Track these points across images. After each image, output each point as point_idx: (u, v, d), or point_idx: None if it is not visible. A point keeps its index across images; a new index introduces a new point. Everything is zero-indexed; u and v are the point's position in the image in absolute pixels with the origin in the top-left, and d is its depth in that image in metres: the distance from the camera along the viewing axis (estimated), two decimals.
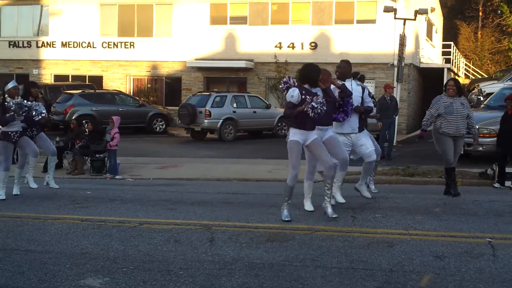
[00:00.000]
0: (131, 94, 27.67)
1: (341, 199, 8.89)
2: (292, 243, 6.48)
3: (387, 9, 21.65)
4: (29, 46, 29.98)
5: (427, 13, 25.23)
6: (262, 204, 9.05)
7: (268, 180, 12.15)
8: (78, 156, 13.69)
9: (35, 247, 6.40)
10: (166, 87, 28.72)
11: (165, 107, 26.74)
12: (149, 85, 28.93)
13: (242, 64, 26.87)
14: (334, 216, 7.66)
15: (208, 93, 22.58)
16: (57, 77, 29.46)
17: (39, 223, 7.68)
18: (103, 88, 27.23)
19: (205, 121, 21.31)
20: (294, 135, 7.61)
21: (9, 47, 30.12)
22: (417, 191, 10.93)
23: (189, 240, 6.65)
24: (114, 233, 7.04)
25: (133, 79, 29.09)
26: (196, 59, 27.64)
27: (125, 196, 9.84)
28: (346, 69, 8.84)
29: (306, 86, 7.58)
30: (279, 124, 23.29)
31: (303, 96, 7.42)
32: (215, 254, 6.06)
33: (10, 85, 9.28)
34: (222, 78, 27.99)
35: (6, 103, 8.99)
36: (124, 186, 11.38)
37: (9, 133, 9.06)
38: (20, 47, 30.08)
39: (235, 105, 22.28)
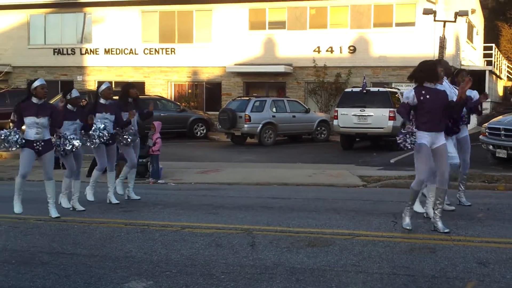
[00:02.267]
0: (172, 99, 27.94)
1: (420, 209, 8.20)
2: (333, 248, 6.44)
3: (427, 12, 21.39)
4: (73, 53, 30.56)
5: (468, 15, 24.82)
6: (302, 209, 9.01)
7: (308, 184, 12.10)
8: (122, 161, 13.84)
9: (81, 251, 6.52)
10: (206, 92, 28.92)
11: (206, 112, 26.92)
12: (189, 91, 29.17)
13: (281, 68, 26.88)
14: (446, 231, 7.09)
15: (247, 98, 22.63)
16: (101, 84, 29.76)
17: (84, 226, 7.81)
18: (145, 94, 27.56)
19: (245, 125, 21.37)
20: (422, 138, 7.15)
21: (54, 54, 30.75)
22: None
23: (231, 244, 6.68)
24: (157, 237, 7.11)
25: (174, 84, 29.38)
26: (235, 64, 27.76)
27: (167, 200, 9.94)
28: (447, 68, 8.48)
29: (427, 84, 7.17)
30: (319, 128, 23.19)
31: (421, 98, 7.08)
32: (256, 258, 6.07)
33: (104, 86, 9.40)
34: (261, 82, 28.03)
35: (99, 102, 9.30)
36: (167, 191, 11.49)
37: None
38: (65, 54, 30.69)
39: (274, 109, 22.29)
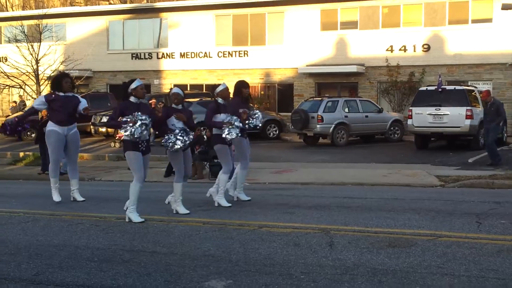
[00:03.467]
0: None
1: None
2: (414, 249, 6.15)
3: (506, 7, 20.48)
4: (150, 57, 31.17)
5: None
6: (380, 209, 8.72)
7: (383, 184, 11.76)
8: (198, 162, 13.95)
9: (160, 249, 6.49)
10: (278, 94, 28.82)
11: (278, 113, 26.83)
12: (262, 92, 29.17)
13: (353, 68, 26.45)
14: None
15: (320, 99, 22.37)
16: (177, 87, 30.20)
17: (163, 225, 7.82)
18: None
19: (318, 126, 21.11)
20: None
21: (132, 59, 31.48)
22: None
23: (309, 244, 6.49)
24: (235, 236, 7.02)
25: None
26: (307, 65, 27.54)
27: (241, 200, 9.84)
28: None
29: None
30: (392, 128, 22.65)
31: None
32: (336, 258, 5.86)
33: (221, 87, 9.29)
34: (333, 83, 27.68)
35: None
36: (245, 190, 11.39)
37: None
38: (142, 58, 31.35)
39: (347, 109, 21.92)
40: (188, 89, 29.46)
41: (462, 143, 18.72)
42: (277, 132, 24.67)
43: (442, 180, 11.84)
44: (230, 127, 8.99)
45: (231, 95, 9.66)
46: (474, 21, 24.92)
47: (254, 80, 28.95)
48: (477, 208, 8.47)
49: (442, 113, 18.02)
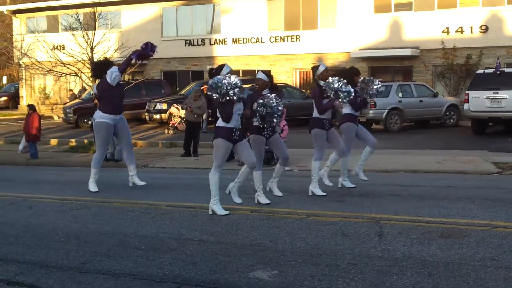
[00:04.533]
0: (297, 86, 27.79)
1: None
2: (468, 240, 5.92)
3: None
4: (203, 44, 31.27)
5: None
6: (432, 197, 8.46)
7: (437, 171, 11.41)
8: None
9: (208, 237, 6.47)
10: None
11: None
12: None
13: (407, 52, 25.80)
14: None
15: None
16: (230, 73, 30.30)
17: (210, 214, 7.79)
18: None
19: (370, 111, 20.71)
20: None
21: (185, 45, 31.66)
22: None
23: (357, 234, 6.35)
24: (282, 225, 6.93)
25: (299, 71, 29.20)
26: (360, 49, 27.05)
27: (291, 187, 9.73)
28: None
29: None
30: (448, 113, 22.00)
31: None
32: (385, 249, 5.70)
33: (321, 68, 8.80)
34: (387, 67, 27.10)
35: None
36: (291, 178, 11.31)
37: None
38: (195, 45, 31.49)
39: (400, 94, 21.40)
40: (241, 75, 29.45)
41: None
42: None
43: (499, 167, 11.41)
44: (341, 95, 8.39)
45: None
46: None
47: (306, 65, 28.63)
48: None
49: (500, 97, 17.36)
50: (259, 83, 8.26)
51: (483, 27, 24.90)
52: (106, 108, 9.75)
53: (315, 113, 8.80)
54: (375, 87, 9.19)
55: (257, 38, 29.75)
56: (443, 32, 25.55)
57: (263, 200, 8.24)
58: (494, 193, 8.67)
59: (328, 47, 27.90)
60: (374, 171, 11.85)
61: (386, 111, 20.68)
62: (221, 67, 7.72)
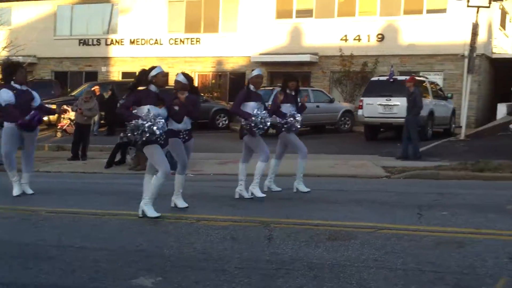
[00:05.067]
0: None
1: None
2: (354, 242, 6.10)
3: None
4: (98, 44, 30.53)
5: (502, 0, 24.06)
6: (323, 201, 8.69)
7: (329, 176, 11.75)
8: (141, 152, 13.64)
9: (90, 244, 6.26)
10: (230, 83, 28.63)
11: (229, 103, 26.62)
12: (213, 81, 28.92)
13: (306, 58, 26.45)
14: None
15: (271, 88, 22.25)
16: (125, 74, 29.88)
17: (96, 219, 7.57)
18: (168, 84, 27.35)
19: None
20: None
21: (80, 45, 30.78)
22: (488, 187, 10.29)
23: (246, 238, 6.39)
24: (170, 230, 6.85)
25: (198, 75, 29.16)
26: (260, 54, 27.42)
27: (184, 192, 9.59)
28: None
29: None
30: (343, 118, 22.73)
31: None
32: (273, 253, 5.76)
33: (255, 72, 8.85)
34: (286, 72, 27.57)
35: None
36: (185, 182, 11.19)
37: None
38: (90, 45, 30.68)
39: (298, 99, 21.80)
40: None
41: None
42: (227, 122, 24.48)
43: (388, 171, 11.91)
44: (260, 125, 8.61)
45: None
46: (428, 11, 25.19)
47: (206, 69, 28.71)
48: (420, 199, 8.52)
49: (392, 104, 18.16)
50: (178, 86, 8.13)
51: (379, 36, 25.97)
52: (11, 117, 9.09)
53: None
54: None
55: (156, 40, 29.46)
56: (341, 39, 26.41)
57: (181, 203, 8.20)
58: (382, 196, 9.03)
59: (228, 51, 28.07)
60: (267, 175, 12.00)
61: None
62: (152, 68, 7.49)
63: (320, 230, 6.68)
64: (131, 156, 13.55)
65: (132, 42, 29.93)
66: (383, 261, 5.42)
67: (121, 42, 30.15)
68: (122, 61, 30.17)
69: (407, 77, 15.74)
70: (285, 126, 9.33)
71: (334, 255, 5.65)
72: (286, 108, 9.29)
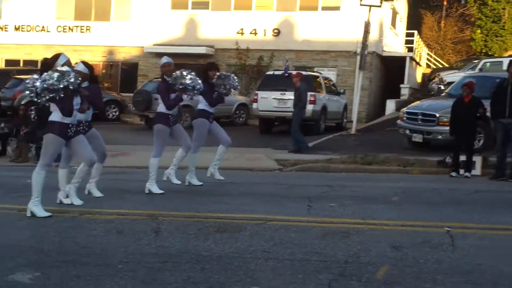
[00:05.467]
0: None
1: None
2: (243, 234, 6.16)
3: None
4: None
5: (393, 0, 25.14)
6: (214, 194, 8.71)
7: (223, 168, 11.66)
8: (23, 143, 13.09)
9: None
10: (122, 73, 28.05)
11: (120, 94, 26.08)
12: (103, 71, 28.19)
13: (202, 50, 26.40)
14: None
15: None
16: (8, 62, 28.56)
17: None
18: None
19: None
20: None
21: None
22: (376, 179, 10.75)
23: (133, 231, 6.27)
24: (51, 224, 6.60)
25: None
26: (154, 45, 27.05)
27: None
28: None
29: None
30: (237, 111, 22.91)
31: None
32: (160, 246, 5.70)
33: (163, 61, 8.78)
34: (181, 64, 27.16)
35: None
36: (70, 174, 10.83)
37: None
38: None
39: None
40: (21, 65, 27.79)
41: (303, 128, 19.34)
42: (117, 113, 23.97)
43: (280, 164, 12.15)
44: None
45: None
46: (323, 8, 25.88)
47: (96, 58, 27.92)
48: (311, 191, 8.74)
49: (286, 98, 18.50)
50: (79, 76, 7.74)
51: (275, 31, 26.38)
52: None
53: (161, 108, 8.73)
54: (232, 82, 9.26)
55: (43, 27, 28.37)
56: (238, 33, 26.59)
57: (96, 193, 8.24)
58: (273, 188, 9.20)
59: (120, 41, 27.51)
60: (158, 168, 11.86)
61: (176, 108, 20.75)
62: (56, 57, 7.14)
63: (210, 223, 6.68)
64: (12, 148, 12.95)
65: (17, 29, 28.65)
66: (272, 252, 5.51)
67: (5, 28, 28.76)
68: (6, 48, 28.77)
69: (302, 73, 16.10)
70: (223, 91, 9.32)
71: (223, 247, 5.67)
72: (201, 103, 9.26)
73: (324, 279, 4.72)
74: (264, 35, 26.51)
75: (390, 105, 23.34)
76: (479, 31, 34.29)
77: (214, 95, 9.31)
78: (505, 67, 12.61)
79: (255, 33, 26.57)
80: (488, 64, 23.51)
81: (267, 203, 7.90)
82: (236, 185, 9.61)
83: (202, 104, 9.32)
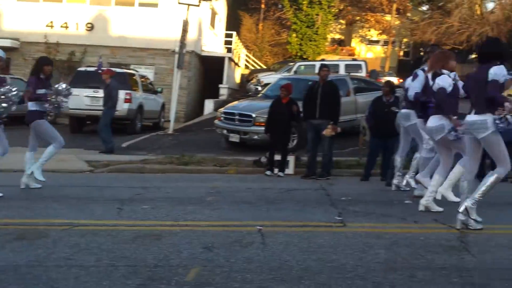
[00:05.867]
0: None
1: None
2: (45, 241, 5.84)
3: None
4: None
5: (211, 1, 25.56)
6: (12, 198, 8.14)
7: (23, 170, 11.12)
8: None
9: None
10: None
11: None
12: None
13: (7, 43, 24.72)
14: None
15: None
16: None
17: None
18: None
19: None
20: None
21: None
22: (192, 180, 10.82)
23: None
24: None
25: None
26: None
27: None
28: None
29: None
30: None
31: None
32: None
33: None
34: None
35: None
36: None
37: None
38: None
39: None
40: None
41: (119, 127, 19.00)
42: None
43: (92, 165, 11.77)
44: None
45: None
46: (141, 5, 25.65)
47: None
48: (122, 193, 8.56)
49: (99, 96, 17.93)
50: None
51: (89, 25, 25.64)
52: None
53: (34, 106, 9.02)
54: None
55: None
56: (47, 26, 25.51)
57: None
58: (82, 191, 8.88)
59: None
60: None
61: None
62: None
63: (9, 230, 6.27)
64: None
65: None
66: (76, 259, 5.29)
67: None
68: None
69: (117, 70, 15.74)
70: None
71: (22, 255, 5.35)
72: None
73: (132, 284, 4.62)
74: (77, 29, 25.66)
75: (209, 105, 23.68)
76: (294, 34, 36.18)
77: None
78: (317, 70, 13.34)
79: (66, 27, 25.66)
80: (302, 67, 24.89)
81: (74, 207, 7.58)
82: (40, 188, 9.07)
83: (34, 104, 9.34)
